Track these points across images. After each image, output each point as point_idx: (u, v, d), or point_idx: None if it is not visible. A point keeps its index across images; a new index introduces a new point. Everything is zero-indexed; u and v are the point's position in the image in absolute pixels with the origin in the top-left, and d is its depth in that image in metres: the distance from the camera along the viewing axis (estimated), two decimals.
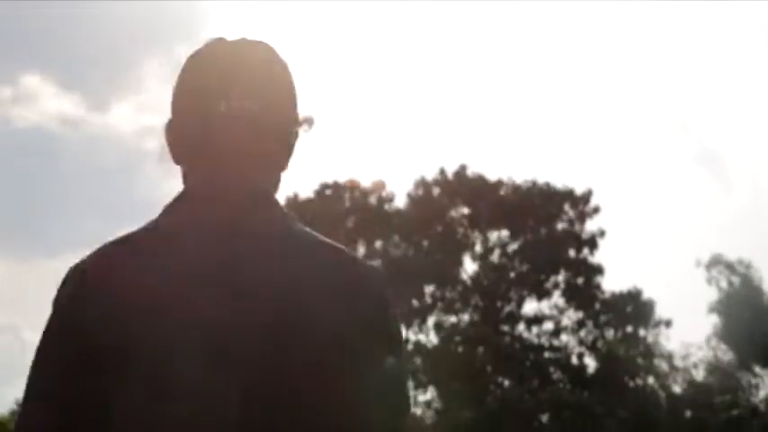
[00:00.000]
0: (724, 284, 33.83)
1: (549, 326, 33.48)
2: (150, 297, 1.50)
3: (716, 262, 34.11)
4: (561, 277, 33.58)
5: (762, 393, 32.47)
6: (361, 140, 53.59)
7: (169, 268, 1.52)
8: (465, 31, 49.60)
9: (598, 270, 33.50)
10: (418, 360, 32.34)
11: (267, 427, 1.45)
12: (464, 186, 33.41)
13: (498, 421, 29.59)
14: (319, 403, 1.47)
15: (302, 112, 1.73)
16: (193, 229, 1.57)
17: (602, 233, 33.50)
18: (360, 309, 1.53)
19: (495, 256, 33.95)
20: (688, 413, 30.58)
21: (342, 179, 34.50)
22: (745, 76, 51.72)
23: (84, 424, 1.49)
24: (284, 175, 1.72)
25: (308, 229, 1.61)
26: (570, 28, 53.18)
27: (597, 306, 33.42)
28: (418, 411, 32.25)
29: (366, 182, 34.61)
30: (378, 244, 33.51)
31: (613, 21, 52.26)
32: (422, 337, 32.89)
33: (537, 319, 33.42)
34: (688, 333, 49.04)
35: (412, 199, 33.98)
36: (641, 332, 33.14)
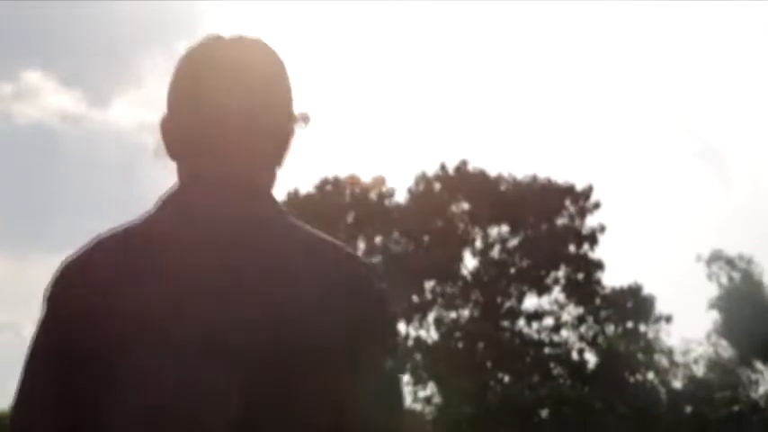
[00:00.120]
0: (724, 280, 33.84)
1: (549, 321, 33.51)
2: (145, 294, 1.49)
3: (716, 257, 34.12)
4: (561, 273, 33.57)
5: (762, 389, 32.50)
6: (361, 136, 53.59)
7: (164, 265, 1.51)
8: (466, 27, 49.57)
9: (598, 266, 33.50)
10: (418, 356, 32.36)
11: (267, 427, 1.44)
12: (465, 182, 33.39)
13: (498, 417, 29.61)
14: (319, 404, 1.47)
15: (299, 108, 1.72)
16: (188, 224, 1.55)
17: (602, 229, 33.53)
18: (357, 309, 1.52)
19: (495, 252, 33.95)
20: (688, 409, 30.60)
21: (342, 175, 34.53)
22: (745, 72, 51.69)
23: (78, 424, 1.48)
24: (280, 172, 1.71)
25: (304, 224, 1.60)
26: (571, 24, 53.15)
27: (597, 302, 33.43)
28: (418, 407, 32.28)
29: (366, 177, 34.64)
30: (378, 239, 33.52)
31: (615, 17, 52.25)
32: (422, 333, 32.93)
33: (537, 315, 33.43)
34: (688, 329, 49.02)
35: (412, 194, 33.98)
36: (641, 328, 33.15)
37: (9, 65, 44.82)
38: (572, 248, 33.46)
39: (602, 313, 33.41)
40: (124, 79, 46.85)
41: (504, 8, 51.40)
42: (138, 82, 45.59)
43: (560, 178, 34.22)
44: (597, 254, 33.55)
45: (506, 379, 31.96)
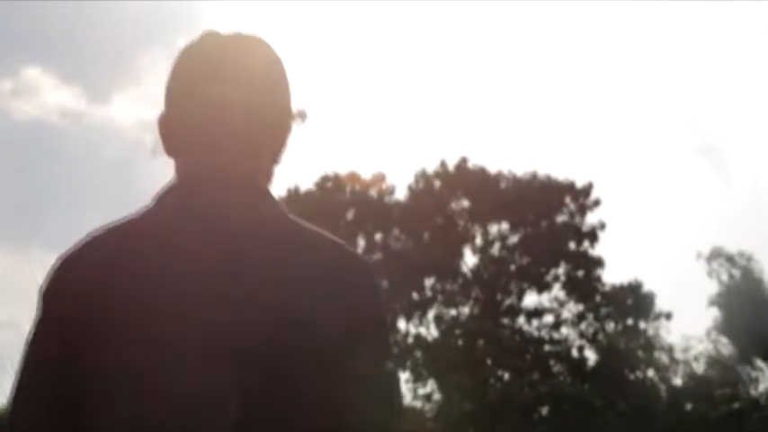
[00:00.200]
0: (725, 277, 33.84)
1: (549, 319, 33.51)
2: (142, 292, 1.47)
3: (716, 255, 34.12)
4: (561, 270, 33.57)
5: (762, 386, 32.51)
6: (361, 133, 53.56)
7: (162, 261, 1.50)
8: (466, 24, 49.51)
9: (598, 263, 33.49)
10: (418, 353, 32.36)
11: (267, 427, 1.43)
12: (465, 179, 33.37)
13: (498, 414, 29.61)
14: (319, 404, 1.46)
15: (296, 105, 1.71)
16: (184, 221, 1.54)
17: (602, 226, 33.52)
18: (357, 308, 1.52)
19: (495, 249, 33.94)
20: (688, 406, 30.60)
21: (342, 172, 34.52)
22: (745, 70, 51.67)
23: (77, 425, 1.47)
24: (280, 169, 1.70)
25: (301, 221, 1.59)
26: (572, 22, 53.12)
27: (597, 299, 33.42)
28: (418, 404, 32.28)
29: (366, 174, 34.64)
30: (378, 237, 33.50)
31: (615, 15, 52.20)
32: (422, 330, 32.94)
33: (537, 312, 33.42)
34: (688, 326, 49.03)
35: (412, 191, 33.96)
36: (641, 325, 33.14)
37: (9, 61, 44.76)
38: (572, 246, 33.45)
39: (603, 310, 33.40)
40: (124, 76, 46.88)
41: (504, 6, 51.40)
42: (137, 79, 45.58)
43: (560, 175, 34.24)
44: (597, 251, 33.59)
45: (506, 376, 31.95)
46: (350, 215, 33.52)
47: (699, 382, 31.53)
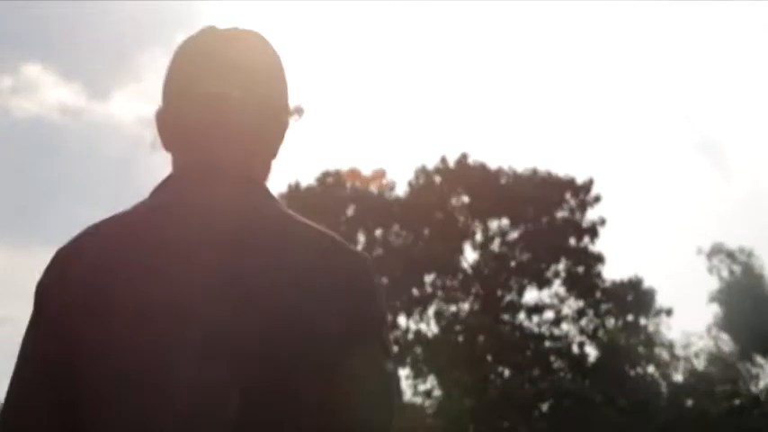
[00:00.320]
0: (725, 273, 33.89)
1: (549, 315, 33.55)
2: (141, 289, 1.46)
3: (717, 251, 34.16)
4: (562, 266, 33.60)
5: (762, 383, 32.55)
6: (362, 130, 53.58)
7: (160, 258, 1.48)
8: (467, 21, 49.50)
9: (599, 259, 33.52)
10: (419, 349, 32.40)
11: (267, 427, 1.42)
12: (465, 175, 33.39)
13: (499, 410, 29.65)
14: (318, 403, 1.44)
15: (294, 101, 1.71)
16: (183, 215, 1.52)
17: (602, 222, 33.54)
18: (357, 306, 1.50)
19: (495, 245, 33.97)
20: (689, 402, 30.64)
21: (343, 168, 34.56)
22: (745, 66, 51.70)
23: (73, 424, 1.45)
24: (278, 165, 1.71)
25: (298, 216, 1.57)
26: (573, 18, 53.13)
27: (598, 295, 33.46)
28: (418, 400, 32.32)
29: (367, 170, 34.67)
30: (378, 233, 33.53)
31: (614, 11, 52.17)
32: (422, 326, 32.97)
33: (537, 308, 33.46)
34: (689, 322, 49.20)
35: (412, 187, 33.98)
36: (642, 321, 33.19)
37: (9, 58, 44.80)
38: (572, 242, 33.49)
39: (603, 306, 33.44)
40: (124, 73, 46.88)
41: (504, 3, 51.34)
42: (137, 75, 45.59)
43: (561, 171, 34.27)
44: (597, 247, 33.62)
45: (507, 372, 31.99)
46: (350, 211, 33.54)
47: (699, 378, 31.57)
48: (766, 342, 31.76)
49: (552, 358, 32.84)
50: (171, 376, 1.40)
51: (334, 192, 33.45)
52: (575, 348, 33.22)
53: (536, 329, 33.37)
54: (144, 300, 1.44)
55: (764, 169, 49.97)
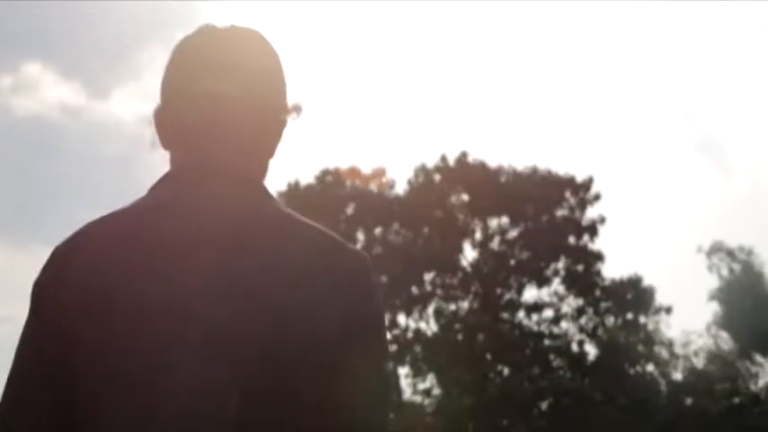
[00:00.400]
0: (725, 272, 33.88)
1: (549, 313, 33.55)
2: (140, 288, 1.45)
3: (717, 249, 34.16)
4: (561, 264, 33.60)
5: (762, 381, 32.55)
6: (362, 128, 53.58)
7: (159, 257, 1.47)
8: (467, 19, 49.49)
9: (598, 257, 33.52)
10: (418, 347, 32.40)
11: (267, 427, 1.41)
12: (465, 173, 33.38)
13: (498, 408, 29.65)
14: (318, 403, 1.43)
15: (294, 99, 1.69)
16: (181, 213, 1.52)
17: (602, 220, 33.53)
18: (356, 306, 1.50)
19: (495, 244, 33.96)
20: (688, 401, 30.63)
21: (343, 166, 34.57)
22: (744, 65, 51.69)
23: (71, 424, 1.44)
24: (278, 163, 1.70)
25: (295, 214, 1.57)
26: (573, 18, 53.09)
27: (597, 293, 33.46)
28: (418, 399, 32.32)
29: (367, 169, 34.68)
30: (378, 231, 33.52)
31: (616, 12, 52.16)
32: (422, 325, 32.96)
33: (537, 307, 33.46)
34: (688, 320, 49.24)
35: (412, 186, 33.97)
36: (641, 319, 33.19)
37: (9, 57, 44.78)
38: (572, 240, 33.49)
39: (602, 305, 33.44)
40: (124, 72, 46.83)
41: (504, 3, 51.31)
42: (137, 74, 45.56)
43: (561, 170, 34.28)
44: (597, 245, 33.64)
45: (506, 371, 31.99)
46: (350, 209, 33.53)
47: (699, 376, 31.56)
48: (766, 341, 31.76)
49: (552, 356, 32.84)
50: (170, 376, 1.40)
51: (333, 190, 33.45)
52: (574, 347, 33.23)
53: (535, 328, 33.37)
54: (142, 299, 1.43)
55: (764, 168, 50.01)
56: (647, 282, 33.39)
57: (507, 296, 33.61)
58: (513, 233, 33.90)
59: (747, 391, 31.17)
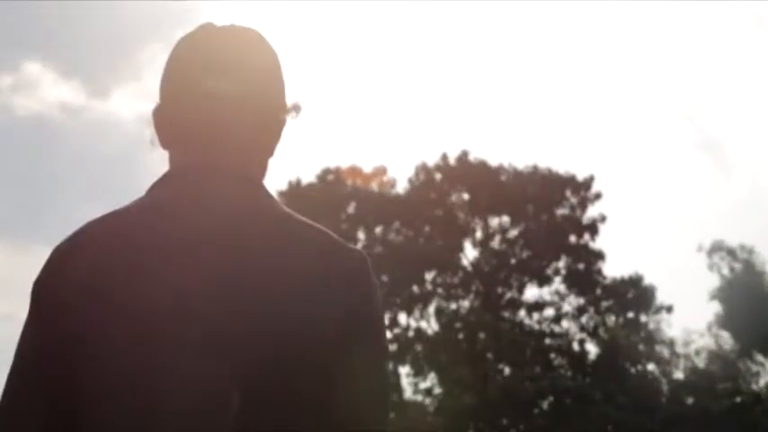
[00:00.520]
0: (725, 271, 33.86)
1: (549, 312, 33.55)
2: (141, 287, 1.45)
3: (717, 248, 34.15)
4: (562, 263, 33.59)
5: (763, 380, 32.53)
6: (363, 127, 53.56)
7: (160, 255, 1.47)
8: (468, 18, 49.48)
9: (599, 256, 33.52)
10: (419, 347, 32.38)
11: (267, 427, 1.41)
12: (465, 172, 33.37)
13: (499, 408, 29.64)
14: (318, 403, 1.43)
15: (294, 98, 1.69)
16: (181, 213, 1.52)
17: (603, 219, 33.53)
18: (355, 306, 1.50)
19: (495, 242, 33.96)
20: (690, 400, 30.61)
21: (344, 165, 34.57)
22: (745, 65, 51.67)
23: (70, 423, 1.44)
24: (279, 162, 1.68)
25: (295, 214, 1.57)
26: (573, 17, 53.08)
27: (598, 292, 33.45)
28: (419, 398, 32.32)
29: (368, 168, 34.68)
30: (378, 230, 33.52)
31: (617, 11, 52.14)
32: (423, 324, 32.96)
33: (538, 306, 33.46)
34: (689, 320, 49.19)
35: (413, 185, 33.96)
36: (642, 318, 33.18)
37: (9, 56, 44.77)
38: (573, 239, 33.48)
39: (603, 304, 33.44)
40: (123, 71, 46.81)
41: (504, 3, 51.30)
42: (137, 73, 45.56)
43: (561, 169, 34.27)
44: (598, 244, 33.64)
45: (507, 370, 31.97)
46: (351, 208, 33.53)
47: (700, 375, 31.54)
48: (767, 340, 31.74)
49: (552, 355, 32.83)
50: (170, 376, 1.40)
51: (334, 189, 33.44)
52: (575, 346, 33.22)
53: (536, 327, 33.37)
54: (142, 299, 1.43)
55: (764, 168, 50.01)
56: (647, 281, 33.45)
57: (508, 295, 33.60)
58: (513, 232, 33.90)
59: (748, 390, 31.16)
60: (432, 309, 33.04)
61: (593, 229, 33.45)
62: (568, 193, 33.73)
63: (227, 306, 1.42)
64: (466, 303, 33.37)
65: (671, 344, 32.81)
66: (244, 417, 1.39)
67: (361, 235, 33.01)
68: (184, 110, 1.61)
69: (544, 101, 52.07)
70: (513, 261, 33.65)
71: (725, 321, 33.27)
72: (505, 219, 33.96)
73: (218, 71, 1.60)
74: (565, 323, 33.53)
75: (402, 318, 32.71)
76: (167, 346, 1.41)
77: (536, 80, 52.81)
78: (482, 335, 31.58)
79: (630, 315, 33.19)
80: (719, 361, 32.36)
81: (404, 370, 32.39)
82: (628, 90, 52.76)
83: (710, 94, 52.33)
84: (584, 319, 33.50)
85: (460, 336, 32.19)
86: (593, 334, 33.14)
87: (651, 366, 32.45)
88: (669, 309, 33.07)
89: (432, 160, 34.12)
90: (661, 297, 33.21)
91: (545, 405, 30.88)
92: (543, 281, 33.50)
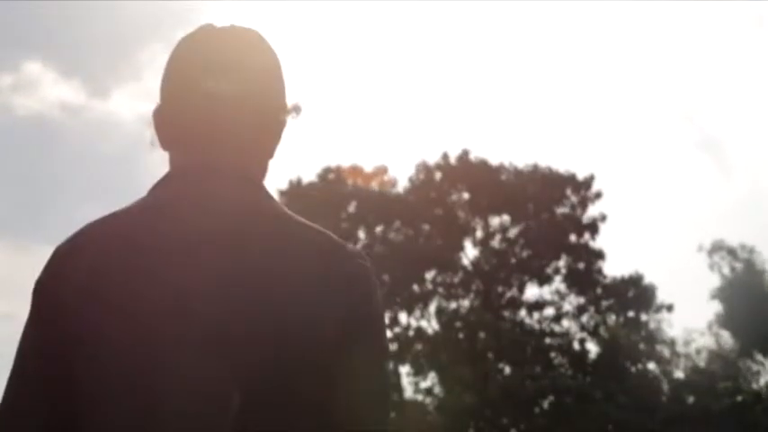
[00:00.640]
0: (726, 270, 33.86)
1: (550, 311, 33.53)
2: (141, 287, 1.45)
3: (718, 247, 34.15)
4: (562, 262, 33.58)
5: (763, 380, 32.52)
6: (363, 126, 53.55)
7: (160, 256, 1.47)
8: (468, 17, 49.47)
9: (599, 255, 33.51)
10: (419, 346, 32.37)
11: (267, 427, 1.41)
12: (465, 171, 33.35)
13: (499, 407, 29.63)
14: (318, 403, 1.43)
15: (294, 98, 1.70)
16: (182, 213, 1.52)
17: (603, 218, 33.52)
18: (355, 306, 1.49)
19: (496, 242, 33.94)
20: (690, 399, 30.60)
21: (344, 164, 34.55)
22: (745, 65, 51.66)
23: (70, 423, 1.44)
24: (279, 162, 1.69)
25: (295, 215, 1.57)
26: (574, 17, 53.06)
27: (599, 291, 33.44)
28: (419, 397, 32.31)
29: (368, 167, 34.67)
30: (379, 229, 33.50)
31: (617, 11, 52.12)
32: (423, 323, 32.94)
33: (538, 305, 33.45)
34: (690, 319, 49.28)
35: (413, 184, 33.94)
36: (643, 317, 33.16)
37: (9, 56, 44.77)
38: (573, 238, 33.47)
39: (604, 303, 33.42)
40: (124, 70, 46.81)
41: (504, 2, 51.27)
42: (137, 73, 45.56)
43: (562, 168, 34.25)
44: (598, 243, 33.61)
45: (507, 369, 31.96)
46: (351, 208, 33.52)
47: (701, 375, 31.54)
48: (767, 339, 31.73)
49: (553, 355, 32.82)
50: (171, 377, 1.40)
51: (335, 188, 33.43)
52: (575, 345, 33.21)
53: (537, 326, 33.36)
54: (143, 300, 1.43)
55: (765, 167, 50.02)
56: (648, 280, 33.43)
57: (508, 294, 33.59)
58: (514, 231, 33.89)
59: (749, 390, 31.14)
60: (432, 308, 33.04)
61: (593, 228, 33.44)
62: (569, 192, 33.72)
63: (227, 306, 1.42)
64: (466, 303, 33.37)
65: (671, 343, 32.82)
66: (244, 417, 1.39)
67: (361, 234, 33.00)
68: (185, 110, 1.61)
69: (544, 100, 52.08)
70: (513, 260, 33.64)
71: (725, 321, 33.27)
72: (506, 218, 33.95)
73: (219, 72, 1.60)
74: (565, 322, 33.54)
75: (402, 317, 32.72)
76: (167, 346, 1.41)
77: (536, 80, 52.82)
78: (482, 334, 31.57)
79: (631, 314, 33.18)
80: (720, 360, 32.35)
81: (404, 369, 32.40)
82: (628, 90, 52.79)
83: (710, 94, 52.36)
84: (584, 319, 33.50)
85: (461, 335, 32.18)
86: (594, 333, 33.13)
87: (652, 365, 32.46)
88: (670, 308, 33.07)
89: (432, 159, 34.15)
90: (661, 296, 33.23)
91: (545, 404, 30.87)
92: (543, 280, 33.49)
